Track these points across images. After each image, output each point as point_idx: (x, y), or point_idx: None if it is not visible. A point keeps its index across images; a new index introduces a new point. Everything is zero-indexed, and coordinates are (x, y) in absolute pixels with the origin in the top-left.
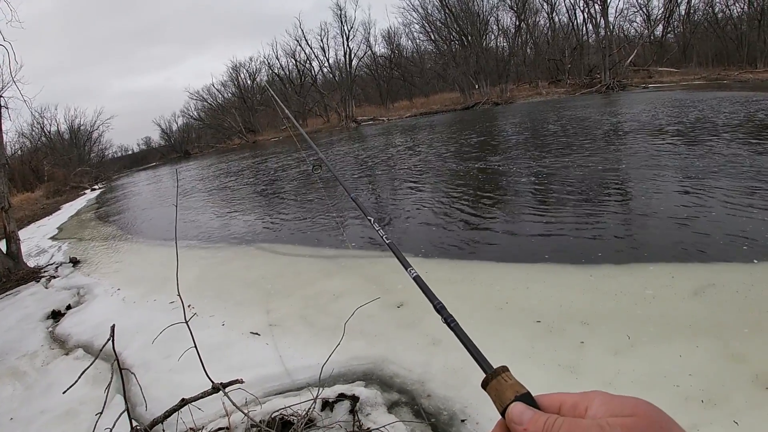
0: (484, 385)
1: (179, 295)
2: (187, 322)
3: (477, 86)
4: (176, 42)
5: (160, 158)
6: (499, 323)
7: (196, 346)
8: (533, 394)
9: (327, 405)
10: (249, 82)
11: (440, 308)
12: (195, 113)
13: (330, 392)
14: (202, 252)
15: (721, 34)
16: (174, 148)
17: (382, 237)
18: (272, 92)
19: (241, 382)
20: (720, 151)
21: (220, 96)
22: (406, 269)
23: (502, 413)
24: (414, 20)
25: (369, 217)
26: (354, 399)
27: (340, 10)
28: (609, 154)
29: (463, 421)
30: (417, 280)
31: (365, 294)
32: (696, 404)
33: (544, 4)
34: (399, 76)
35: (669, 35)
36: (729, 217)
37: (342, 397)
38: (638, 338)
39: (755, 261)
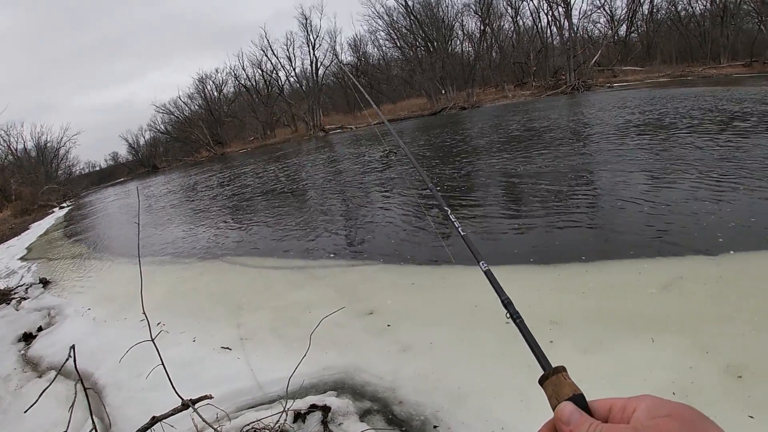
0: (542, 380)
1: (144, 313)
2: (152, 340)
3: (444, 91)
4: (138, 56)
5: (128, 173)
6: (470, 327)
7: (163, 364)
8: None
9: (299, 416)
10: (216, 93)
11: (507, 303)
12: (162, 126)
13: (302, 403)
14: (171, 267)
15: (685, 31)
16: (142, 162)
17: (457, 229)
18: (349, 73)
19: (210, 397)
20: (684, 145)
21: (186, 108)
22: (479, 263)
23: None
24: (380, 27)
25: (446, 208)
26: (326, 409)
27: (306, 19)
28: (576, 153)
29: (435, 427)
30: (488, 274)
31: (336, 304)
32: (667, 397)
33: (509, 8)
34: (366, 84)
35: (633, 35)
36: (695, 210)
37: (313, 408)
38: (607, 335)
39: (723, 253)
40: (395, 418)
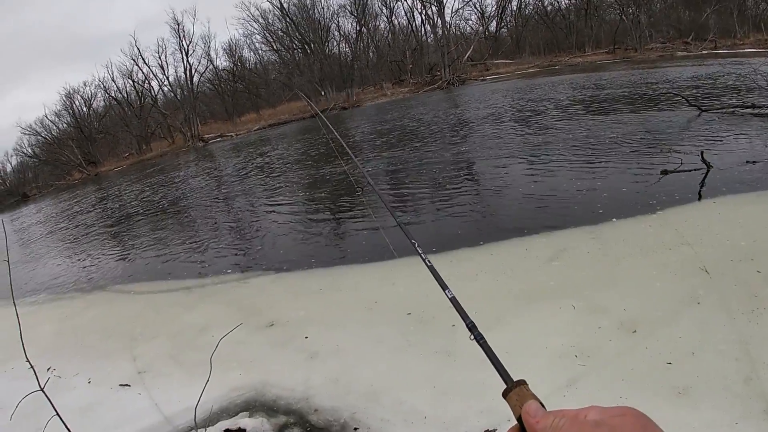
0: (505, 393)
1: (28, 360)
2: (42, 389)
3: (323, 93)
4: None
5: None
6: (371, 324)
7: (58, 414)
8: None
9: None
10: (85, 109)
11: (471, 327)
12: (29, 150)
13: (215, 430)
14: (53, 305)
15: (551, 24)
16: (10, 191)
17: (424, 260)
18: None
19: None
20: (557, 128)
21: (54, 128)
22: (444, 290)
23: (519, 418)
24: (255, 31)
25: (413, 240)
26: None
27: (178, 25)
28: (458, 143)
29: (355, 429)
30: (453, 301)
31: (232, 321)
32: (570, 360)
33: (383, 8)
34: (244, 89)
35: (503, 30)
36: (572, 186)
37: None
38: (504, 311)
39: (601, 222)
40: (313, 428)
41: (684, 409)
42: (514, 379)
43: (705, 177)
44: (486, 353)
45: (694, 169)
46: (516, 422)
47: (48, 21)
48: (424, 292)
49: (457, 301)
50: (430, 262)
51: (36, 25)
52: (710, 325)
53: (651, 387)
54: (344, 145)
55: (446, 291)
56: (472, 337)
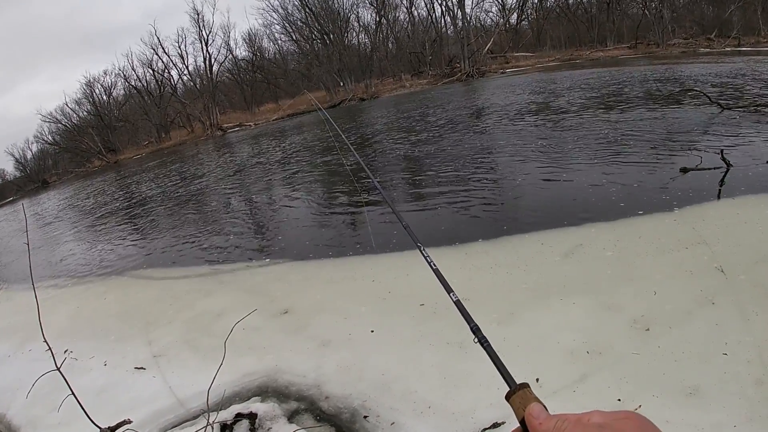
0: (508, 396)
1: (46, 341)
2: (58, 369)
3: (342, 83)
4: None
5: (17, 192)
6: (385, 313)
7: (73, 393)
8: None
9: (226, 428)
10: (105, 97)
11: (476, 330)
12: (49, 137)
13: (227, 414)
14: (72, 289)
15: (573, 18)
16: (30, 178)
17: (429, 263)
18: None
19: (129, 422)
20: (576, 122)
21: (74, 116)
22: (449, 294)
23: (521, 421)
24: (274, 21)
25: (418, 244)
26: (252, 416)
27: (197, 15)
28: (475, 137)
29: (365, 417)
30: (458, 304)
31: (247, 307)
32: (582, 356)
33: None
34: (263, 79)
35: (523, 22)
36: (589, 182)
37: (239, 416)
38: (517, 305)
39: (617, 219)
40: (324, 414)
41: (693, 410)
42: (518, 382)
43: (724, 176)
44: (490, 356)
45: (714, 168)
46: (519, 425)
47: (55, 14)
48: (437, 284)
49: (462, 305)
50: (435, 266)
51: (43, 17)
52: (724, 326)
53: (661, 386)
54: (347, 143)
55: (451, 294)
56: (476, 340)
